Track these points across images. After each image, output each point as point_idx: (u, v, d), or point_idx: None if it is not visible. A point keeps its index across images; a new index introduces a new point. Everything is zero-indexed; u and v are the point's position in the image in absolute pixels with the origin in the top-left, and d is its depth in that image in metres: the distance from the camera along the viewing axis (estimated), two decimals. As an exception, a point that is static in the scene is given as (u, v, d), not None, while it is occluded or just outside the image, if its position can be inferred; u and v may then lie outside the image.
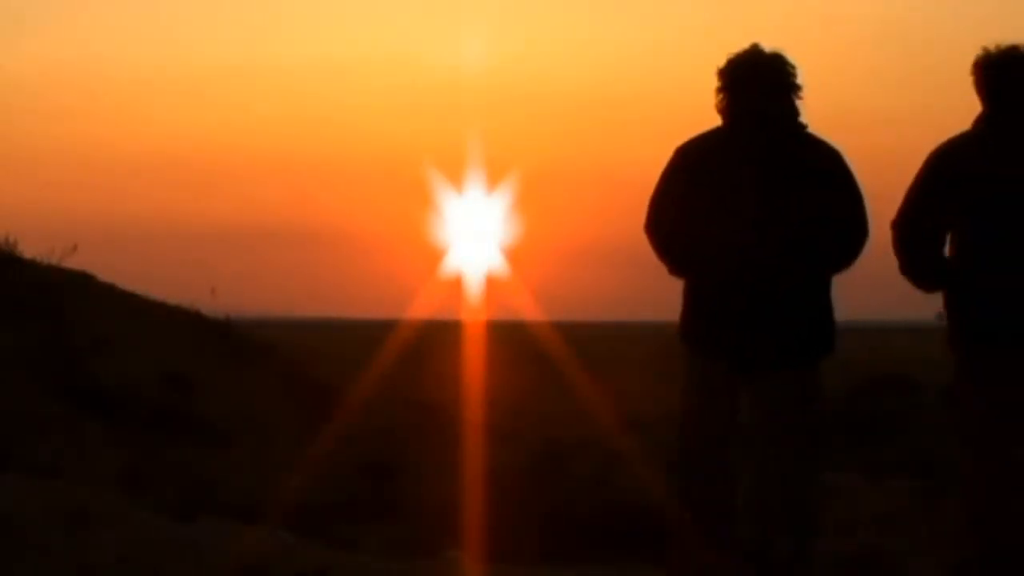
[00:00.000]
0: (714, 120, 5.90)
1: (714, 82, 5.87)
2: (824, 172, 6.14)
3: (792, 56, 6.18)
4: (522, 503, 7.88)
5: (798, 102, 6.09)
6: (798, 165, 6.12)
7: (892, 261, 6.59)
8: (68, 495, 6.21)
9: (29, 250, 12.52)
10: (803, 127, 6.17)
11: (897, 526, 8.00)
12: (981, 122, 6.20)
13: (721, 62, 5.85)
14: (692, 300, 6.22)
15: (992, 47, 6.21)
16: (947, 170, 6.14)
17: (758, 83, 6.03)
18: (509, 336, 8.70)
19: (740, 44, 6.16)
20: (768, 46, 6.18)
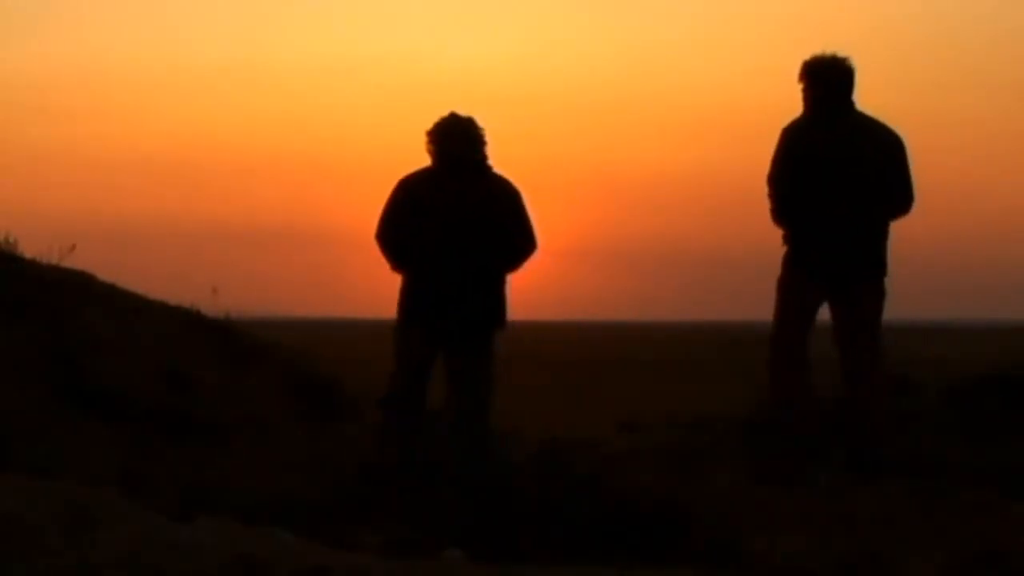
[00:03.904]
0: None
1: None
2: (501, 202, 8.46)
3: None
4: (522, 502, 7.88)
5: (486, 150, 8.47)
6: (483, 195, 8.43)
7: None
8: (68, 495, 6.20)
9: (29, 250, 12.50)
10: (489, 168, 8.52)
11: (897, 526, 8.00)
12: (810, 109, 8.40)
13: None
14: (410, 291, 8.60)
15: (821, 53, 8.29)
16: (792, 143, 8.39)
17: (456, 138, 8.43)
18: (509, 336, 8.72)
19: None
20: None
